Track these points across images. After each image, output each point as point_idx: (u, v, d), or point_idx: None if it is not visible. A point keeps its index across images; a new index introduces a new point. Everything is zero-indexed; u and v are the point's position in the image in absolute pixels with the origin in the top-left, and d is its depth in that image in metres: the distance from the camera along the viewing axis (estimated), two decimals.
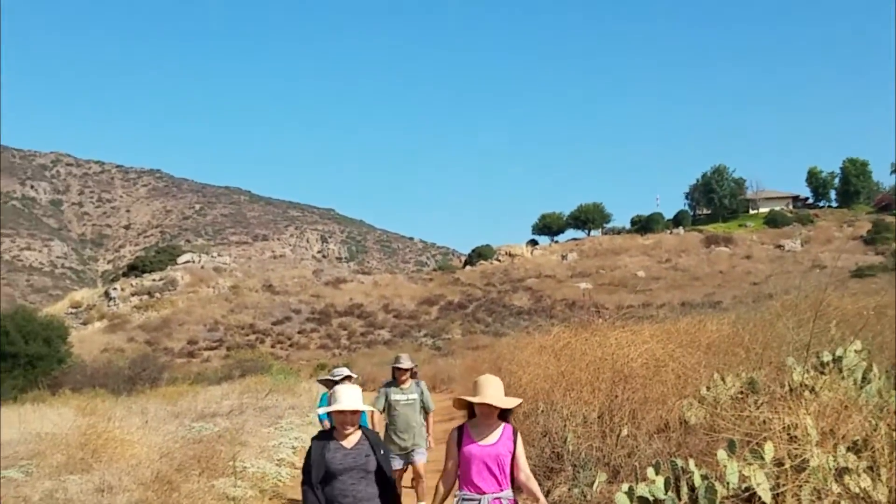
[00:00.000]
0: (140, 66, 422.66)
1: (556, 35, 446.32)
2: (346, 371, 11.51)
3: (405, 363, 10.54)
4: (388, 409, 10.39)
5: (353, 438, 5.89)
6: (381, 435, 9.31)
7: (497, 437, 5.89)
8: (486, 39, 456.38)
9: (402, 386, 10.49)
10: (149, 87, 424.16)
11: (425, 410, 10.67)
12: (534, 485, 5.99)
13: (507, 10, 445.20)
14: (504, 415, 5.97)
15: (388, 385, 10.61)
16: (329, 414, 6.25)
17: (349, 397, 5.86)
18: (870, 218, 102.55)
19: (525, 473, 5.95)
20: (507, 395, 6.35)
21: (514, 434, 5.97)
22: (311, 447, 5.92)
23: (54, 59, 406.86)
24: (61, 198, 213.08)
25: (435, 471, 10.71)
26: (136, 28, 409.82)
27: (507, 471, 5.87)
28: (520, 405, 6.47)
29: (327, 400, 11.65)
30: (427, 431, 10.68)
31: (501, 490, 5.85)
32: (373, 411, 10.19)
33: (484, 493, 5.82)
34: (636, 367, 10.84)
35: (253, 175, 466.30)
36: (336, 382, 10.91)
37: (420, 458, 10.45)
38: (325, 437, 5.95)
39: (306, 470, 5.82)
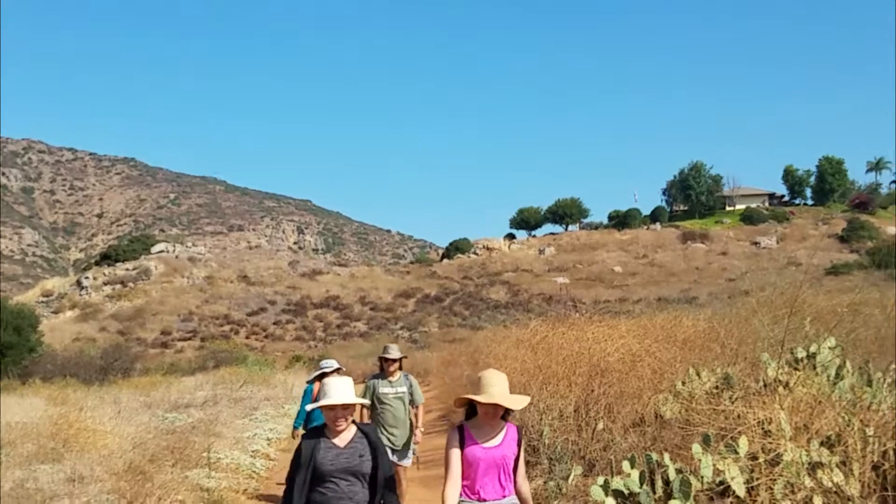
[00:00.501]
0: (116, 53, 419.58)
1: (537, 31, 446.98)
2: (334, 363, 11.20)
3: (393, 353, 9.83)
4: (376, 403, 9.68)
5: (346, 436, 5.29)
6: None
7: (501, 439, 5.37)
8: (466, 34, 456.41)
9: (391, 378, 9.77)
10: (124, 74, 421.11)
11: (414, 404, 9.93)
12: (527, 492, 5.56)
13: (485, 4, 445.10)
14: (505, 413, 5.43)
15: (376, 377, 9.90)
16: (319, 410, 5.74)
17: (339, 390, 5.24)
18: (845, 216, 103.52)
19: (522, 477, 5.52)
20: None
21: (520, 435, 5.50)
22: (299, 445, 5.33)
23: (27, 45, 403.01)
24: (33, 185, 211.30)
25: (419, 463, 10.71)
26: (112, 16, 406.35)
27: (511, 475, 5.40)
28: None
29: (312, 394, 11.00)
30: (417, 424, 9.96)
31: (504, 496, 5.39)
32: (363, 405, 9.42)
33: (485, 500, 5.34)
34: (613, 361, 10.88)
35: (229, 165, 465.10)
36: (325, 375, 10.71)
37: (405, 462, 9.78)
38: (315, 434, 5.33)
39: (292, 470, 5.26)
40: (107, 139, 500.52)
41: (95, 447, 12.57)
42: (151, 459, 12.06)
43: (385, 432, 9.48)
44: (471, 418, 5.46)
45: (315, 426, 5.54)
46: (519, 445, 5.43)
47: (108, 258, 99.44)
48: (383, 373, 9.86)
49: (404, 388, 9.79)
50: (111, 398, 21.16)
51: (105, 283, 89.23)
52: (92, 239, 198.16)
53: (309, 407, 5.91)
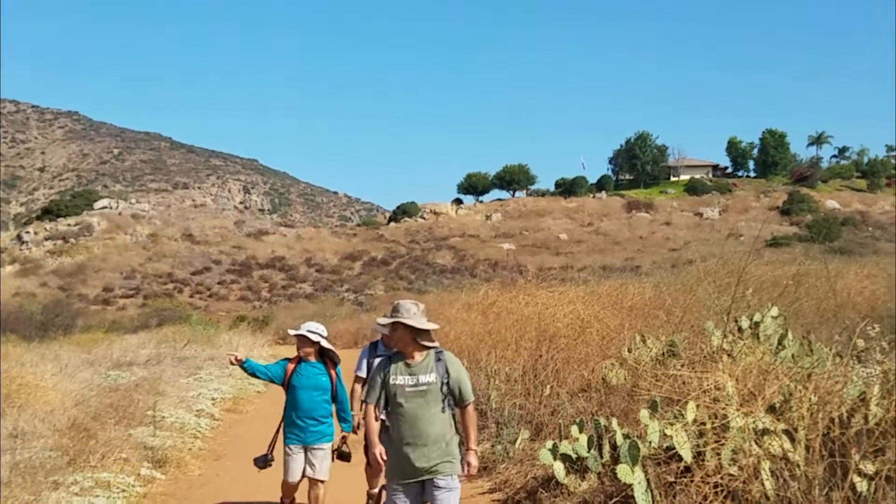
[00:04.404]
0: (58, 3, 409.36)
1: None
2: (320, 330, 7.97)
3: (413, 315, 5.72)
4: (385, 402, 5.83)
5: None
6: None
7: None
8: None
9: (410, 360, 5.73)
10: (67, 25, 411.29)
11: (458, 403, 5.79)
12: None
13: None
14: None
15: (389, 361, 5.84)
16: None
17: None
18: (786, 189, 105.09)
19: None
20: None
21: None
22: None
23: None
24: None
25: None
26: None
27: None
28: None
29: (285, 372, 7.82)
30: (468, 438, 5.76)
31: None
32: (369, 405, 5.91)
33: None
34: (561, 327, 10.99)
35: (174, 121, 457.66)
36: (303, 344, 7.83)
37: (449, 499, 5.70)
38: None
39: None
40: (50, 92, 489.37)
41: (37, 403, 12.41)
42: (95, 417, 11.93)
43: (400, 455, 5.74)
44: None
45: None
46: None
47: (49, 213, 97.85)
48: (398, 353, 5.85)
49: (434, 377, 5.71)
50: (52, 355, 20.83)
51: (46, 239, 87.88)
52: (33, 193, 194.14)
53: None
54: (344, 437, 7.97)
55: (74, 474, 9.18)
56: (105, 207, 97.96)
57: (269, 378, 7.88)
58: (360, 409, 7.44)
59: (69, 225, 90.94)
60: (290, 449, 7.74)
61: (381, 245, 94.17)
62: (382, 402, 5.82)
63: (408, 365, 5.73)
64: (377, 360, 6.84)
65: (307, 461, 7.75)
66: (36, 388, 13.39)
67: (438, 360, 5.76)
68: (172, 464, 11.06)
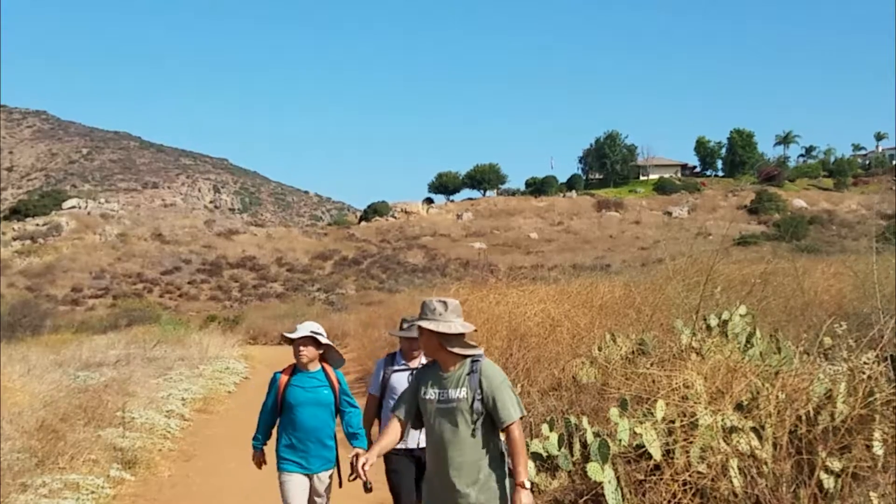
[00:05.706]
0: (25, 1, 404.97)
1: None
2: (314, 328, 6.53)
3: (439, 315, 4.67)
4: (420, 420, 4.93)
5: None
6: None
7: None
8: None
9: (445, 371, 4.72)
10: (34, 23, 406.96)
11: (500, 422, 4.55)
12: None
13: None
14: None
15: (427, 369, 4.89)
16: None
17: None
18: (754, 188, 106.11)
19: None
20: None
21: None
22: None
23: None
24: None
25: None
26: None
27: None
28: None
29: (278, 388, 6.54)
30: (515, 469, 4.50)
31: None
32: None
33: None
34: (532, 325, 11.02)
35: (143, 121, 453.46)
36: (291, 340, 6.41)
37: None
38: None
39: None
40: (17, 91, 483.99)
41: (5, 405, 12.29)
42: (63, 418, 11.83)
43: (430, 488, 4.84)
44: None
45: None
46: None
47: (17, 213, 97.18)
48: (435, 364, 4.83)
49: (464, 392, 4.62)
50: (20, 355, 20.66)
51: (14, 239, 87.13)
52: (1, 193, 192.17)
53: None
54: (357, 457, 5.30)
55: (43, 476, 9.11)
56: (74, 207, 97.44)
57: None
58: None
59: (38, 225, 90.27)
60: (290, 477, 6.39)
61: (352, 244, 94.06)
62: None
63: (441, 376, 4.70)
64: (396, 374, 6.38)
65: (310, 491, 6.45)
66: (3, 389, 13.27)
67: (472, 371, 4.62)
68: (142, 465, 11.01)
